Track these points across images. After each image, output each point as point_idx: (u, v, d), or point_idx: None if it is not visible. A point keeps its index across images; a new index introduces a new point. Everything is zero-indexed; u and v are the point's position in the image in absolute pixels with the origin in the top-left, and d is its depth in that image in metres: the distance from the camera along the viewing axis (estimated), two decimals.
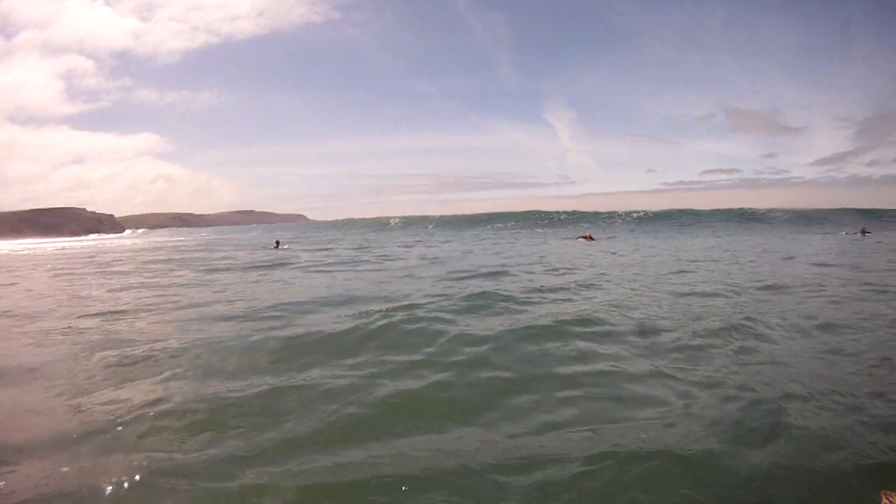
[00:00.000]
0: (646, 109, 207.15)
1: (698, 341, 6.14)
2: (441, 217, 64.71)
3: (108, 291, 12.25)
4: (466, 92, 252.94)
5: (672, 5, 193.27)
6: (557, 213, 59.23)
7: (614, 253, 20.58)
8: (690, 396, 4.49)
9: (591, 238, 29.38)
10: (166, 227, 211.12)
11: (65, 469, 3.39)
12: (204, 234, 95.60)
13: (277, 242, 30.86)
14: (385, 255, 21.33)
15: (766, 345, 6.02)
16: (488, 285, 10.85)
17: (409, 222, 65.06)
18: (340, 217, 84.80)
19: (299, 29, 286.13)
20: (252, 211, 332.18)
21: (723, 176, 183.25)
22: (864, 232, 30.68)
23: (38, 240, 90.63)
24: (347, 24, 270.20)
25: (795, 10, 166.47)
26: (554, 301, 8.97)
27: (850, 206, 53.73)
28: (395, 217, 69.66)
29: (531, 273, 13.33)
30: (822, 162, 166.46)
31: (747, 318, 7.13)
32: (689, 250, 21.54)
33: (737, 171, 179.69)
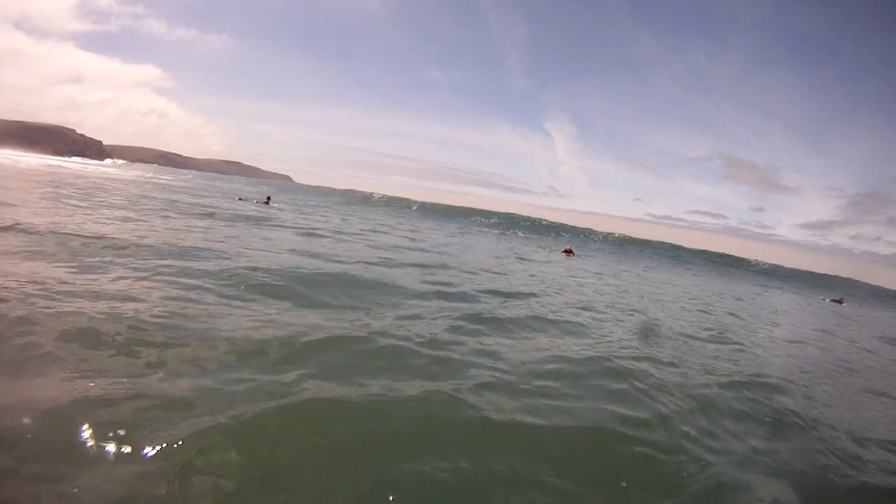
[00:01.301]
0: (645, 140, 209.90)
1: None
2: (423, 203, 63.74)
3: None
4: (472, 87, 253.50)
5: (691, 47, 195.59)
6: (540, 219, 58.82)
7: (599, 274, 20.38)
8: None
9: (570, 252, 29.21)
10: (152, 163, 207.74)
11: None
12: (189, 175, 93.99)
13: (269, 198, 31.16)
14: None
15: None
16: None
17: (392, 202, 63.99)
18: (323, 184, 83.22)
19: None
20: (240, 163, 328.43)
21: (709, 219, 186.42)
22: (840, 301, 31.45)
23: (18, 153, 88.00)
24: None
25: (809, 78, 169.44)
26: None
27: (831, 273, 54.83)
28: (379, 194, 68.29)
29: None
30: (808, 226, 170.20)
31: None
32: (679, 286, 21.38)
33: (723, 217, 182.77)
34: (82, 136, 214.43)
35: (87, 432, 3.03)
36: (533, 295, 10.40)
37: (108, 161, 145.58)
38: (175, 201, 20.81)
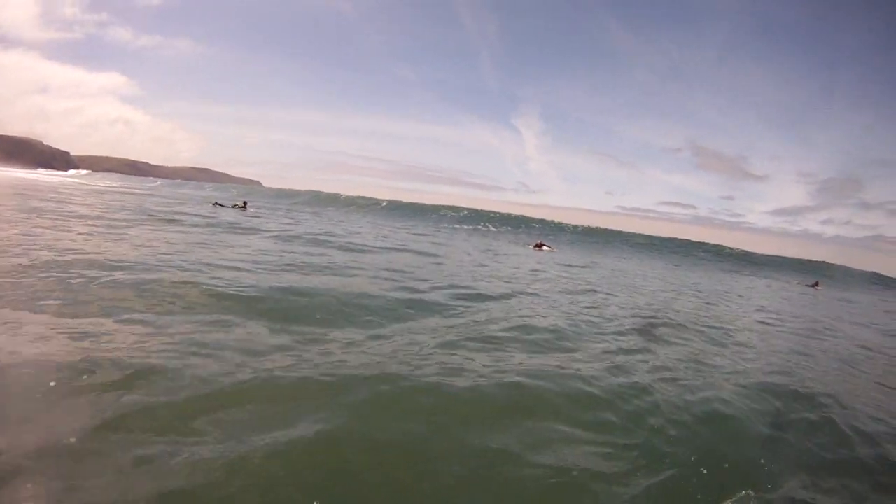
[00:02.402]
0: (616, 132, 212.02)
1: None
2: (391, 202, 63.12)
3: None
4: (444, 84, 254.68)
5: (666, 37, 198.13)
6: (510, 214, 58.06)
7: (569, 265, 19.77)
8: None
9: (541, 246, 28.76)
10: (119, 172, 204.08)
11: None
12: (157, 183, 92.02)
13: (245, 203, 30.80)
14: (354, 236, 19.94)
15: None
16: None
17: (356, 202, 63.25)
18: (293, 187, 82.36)
19: None
20: (208, 169, 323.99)
21: (679, 209, 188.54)
22: (815, 285, 31.27)
23: None
24: None
25: (783, 66, 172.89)
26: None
27: (799, 257, 54.95)
28: (351, 195, 67.55)
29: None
30: (778, 212, 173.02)
31: None
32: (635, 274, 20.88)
33: (693, 207, 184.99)
34: (49, 147, 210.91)
35: None
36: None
37: (72, 171, 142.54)
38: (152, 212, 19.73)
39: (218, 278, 7.26)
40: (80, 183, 49.25)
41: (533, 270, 15.29)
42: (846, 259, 59.05)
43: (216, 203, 31.40)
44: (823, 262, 54.54)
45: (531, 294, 10.02)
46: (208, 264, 8.37)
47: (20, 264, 6.66)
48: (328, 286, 7.66)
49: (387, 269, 10.43)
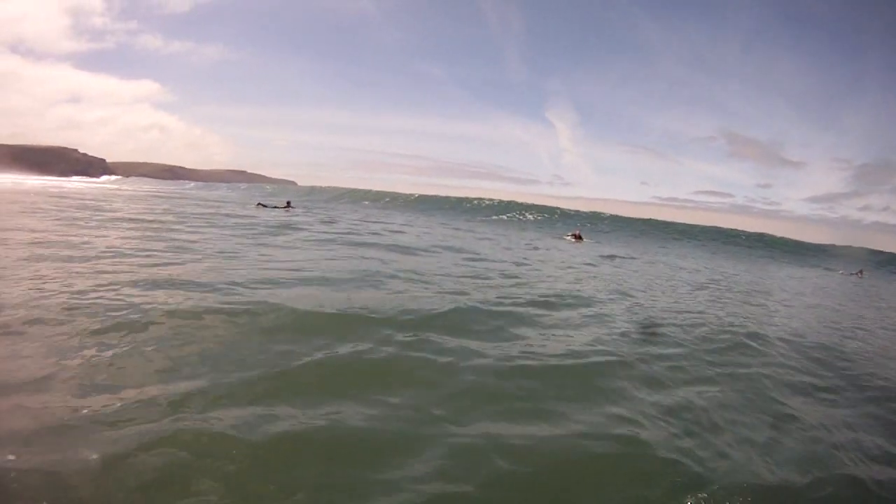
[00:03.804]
0: (648, 123, 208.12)
1: None
2: (424, 196, 63.70)
3: None
4: (472, 80, 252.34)
5: (691, 26, 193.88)
6: (546, 206, 57.61)
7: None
8: None
9: (579, 238, 28.74)
10: (156, 177, 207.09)
11: None
12: (191, 185, 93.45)
13: (288, 203, 30.83)
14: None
15: None
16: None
17: (396, 198, 63.58)
18: (329, 185, 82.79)
19: None
20: (244, 171, 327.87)
21: (715, 198, 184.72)
22: (859, 273, 30.58)
23: (22, 176, 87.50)
24: None
25: (813, 52, 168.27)
26: None
27: (841, 244, 53.65)
28: (397, 193, 67.96)
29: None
30: (816, 200, 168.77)
31: None
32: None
33: (730, 195, 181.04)
34: (84, 155, 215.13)
35: None
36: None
37: (104, 178, 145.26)
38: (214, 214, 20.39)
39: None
40: (117, 189, 49.98)
41: (587, 263, 15.41)
42: (886, 244, 56.85)
43: (260, 203, 31.59)
44: (863, 248, 52.96)
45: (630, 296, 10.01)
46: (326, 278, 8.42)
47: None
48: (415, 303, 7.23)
49: (454, 276, 10.30)
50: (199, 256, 9.37)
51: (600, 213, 55.23)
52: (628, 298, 9.76)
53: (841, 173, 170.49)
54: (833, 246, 52.35)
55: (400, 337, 5.48)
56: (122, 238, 11.11)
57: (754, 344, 7.19)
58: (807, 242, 51.54)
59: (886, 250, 51.61)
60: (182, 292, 6.35)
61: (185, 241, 11.31)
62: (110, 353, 4.37)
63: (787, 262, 36.13)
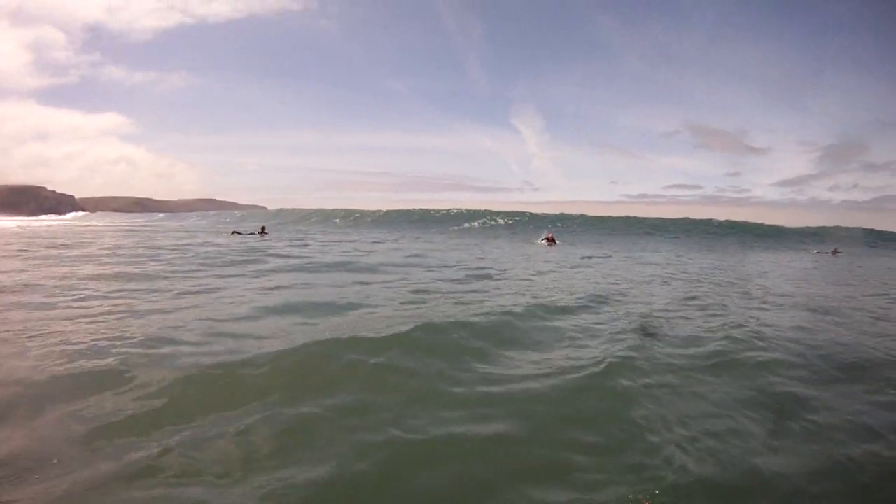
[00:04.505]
0: (614, 121, 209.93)
1: None
2: (397, 212, 63.22)
3: None
4: (436, 92, 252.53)
5: (653, 21, 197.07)
6: (523, 213, 57.50)
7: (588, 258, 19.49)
8: None
9: (552, 241, 28.41)
10: (126, 211, 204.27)
11: None
12: (160, 217, 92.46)
13: (263, 228, 31.37)
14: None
15: None
16: None
17: (368, 216, 63.25)
18: (299, 207, 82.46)
19: (276, 15, 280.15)
20: (214, 199, 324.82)
21: (685, 191, 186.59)
22: (835, 252, 30.62)
23: None
24: (324, 14, 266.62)
25: (775, 37, 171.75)
26: None
27: (811, 225, 54.14)
28: (367, 210, 67.74)
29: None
30: (784, 183, 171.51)
31: None
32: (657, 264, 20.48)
33: (699, 187, 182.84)
34: (53, 192, 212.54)
35: None
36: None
37: (71, 215, 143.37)
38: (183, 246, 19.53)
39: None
40: (87, 225, 49.09)
41: (575, 267, 14.98)
42: (860, 221, 57.81)
43: (235, 231, 31.62)
44: (837, 226, 53.51)
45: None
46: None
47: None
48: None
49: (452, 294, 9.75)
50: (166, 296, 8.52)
51: (571, 215, 55.31)
52: (612, 301, 9.24)
53: (808, 155, 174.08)
54: (824, 228, 52.69)
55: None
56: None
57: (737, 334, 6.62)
58: (784, 227, 51.89)
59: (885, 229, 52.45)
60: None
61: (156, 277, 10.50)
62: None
63: (761, 247, 36.19)
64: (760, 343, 6.29)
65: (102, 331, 5.90)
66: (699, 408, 4.31)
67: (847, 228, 52.32)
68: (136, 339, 5.52)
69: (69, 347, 5.22)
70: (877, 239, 47.97)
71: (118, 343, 5.37)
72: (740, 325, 7.27)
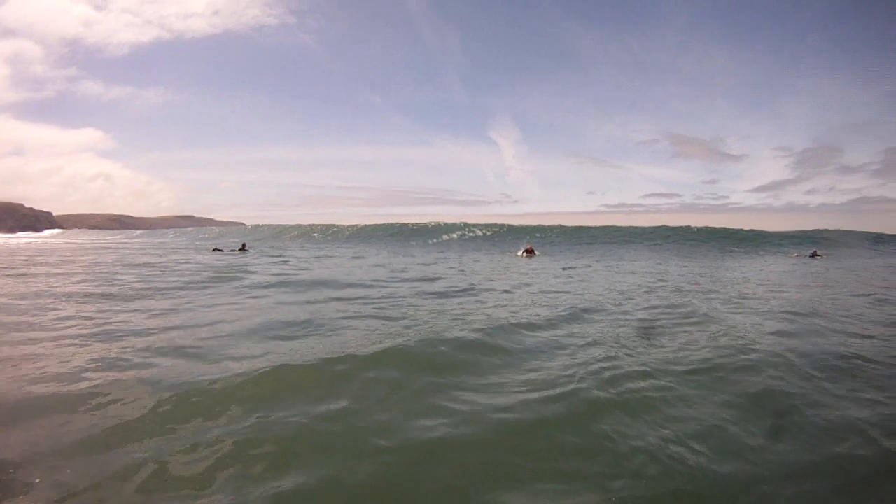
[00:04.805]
0: (591, 132, 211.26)
1: None
2: (376, 226, 62.96)
3: None
4: (414, 105, 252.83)
5: (626, 32, 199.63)
6: (501, 224, 57.37)
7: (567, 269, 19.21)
8: None
9: (532, 252, 28.08)
10: (104, 228, 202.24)
11: None
12: (138, 234, 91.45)
13: (244, 245, 31.30)
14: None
15: None
16: None
17: (346, 231, 62.93)
18: (279, 223, 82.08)
19: (252, 31, 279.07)
20: (192, 216, 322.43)
21: (664, 200, 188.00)
22: (814, 255, 30.56)
23: None
24: (301, 29, 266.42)
25: (748, 42, 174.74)
26: None
27: (789, 229, 54.47)
28: (345, 225, 67.48)
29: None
30: (761, 189, 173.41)
31: None
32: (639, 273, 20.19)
33: (677, 195, 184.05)
34: (31, 209, 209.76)
35: None
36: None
37: (47, 232, 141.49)
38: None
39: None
40: (65, 243, 48.11)
41: (562, 278, 14.63)
42: (838, 224, 58.42)
43: (216, 248, 32.03)
44: (817, 230, 53.95)
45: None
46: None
47: None
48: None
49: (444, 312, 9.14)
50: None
51: (550, 226, 55.17)
52: (595, 312, 8.96)
53: (784, 160, 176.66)
54: (817, 231, 52.96)
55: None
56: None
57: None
58: (763, 231, 52.19)
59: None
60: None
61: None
62: None
63: (741, 252, 36.21)
64: (745, 350, 6.20)
65: (80, 354, 5.79)
66: (683, 415, 4.29)
67: (833, 231, 52.75)
68: (115, 359, 5.53)
69: (41, 369, 5.19)
70: (858, 239, 48.42)
71: (94, 365, 5.31)
72: (725, 333, 7.15)
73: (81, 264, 18.86)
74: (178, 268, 17.46)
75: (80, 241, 51.80)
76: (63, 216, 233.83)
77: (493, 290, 12.26)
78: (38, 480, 3.11)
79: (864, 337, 7.48)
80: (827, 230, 53.11)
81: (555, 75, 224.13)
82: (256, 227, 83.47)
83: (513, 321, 7.77)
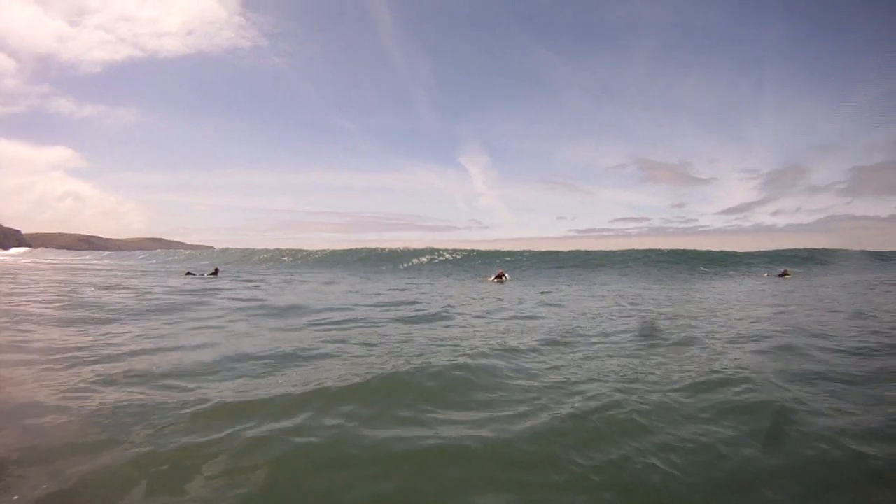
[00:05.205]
0: (559, 157, 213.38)
1: None
2: (350, 250, 62.61)
3: None
4: (385, 130, 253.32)
5: (594, 58, 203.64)
6: (471, 250, 57.21)
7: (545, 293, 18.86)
8: None
9: (501, 278, 27.58)
10: (72, 248, 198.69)
11: None
12: (105, 255, 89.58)
13: (216, 270, 32.33)
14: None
15: None
16: None
17: (315, 256, 62.45)
18: (249, 247, 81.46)
19: (226, 52, 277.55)
20: (163, 239, 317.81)
21: (633, 224, 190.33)
22: (783, 274, 30.72)
23: None
24: (274, 52, 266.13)
25: (712, 69, 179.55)
26: None
27: (758, 250, 55.01)
28: (315, 250, 66.85)
29: None
30: (729, 211, 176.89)
31: None
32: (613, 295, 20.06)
33: (646, 219, 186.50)
34: (0, 226, 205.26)
35: None
36: None
37: (13, 250, 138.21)
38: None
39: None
40: (31, 262, 46.73)
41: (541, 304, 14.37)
42: (806, 243, 59.14)
43: (188, 272, 32.30)
44: (786, 248, 54.50)
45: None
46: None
47: None
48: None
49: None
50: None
51: (520, 251, 54.98)
52: (568, 339, 8.70)
53: (751, 182, 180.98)
54: (813, 250, 53.39)
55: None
56: None
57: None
58: (735, 252, 52.54)
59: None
60: None
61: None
62: None
63: (710, 273, 36.40)
64: (725, 369, 6.20)
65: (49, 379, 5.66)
66: (674, 434, 4.29)
67: (801, 250, 53.32)
68: (78, 385, 5.41)
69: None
70: (827, 256, 48.96)
71: (73, 392, 5.18)
72: (704, 354, 7.17)
73: (49, 289, 18.11)
74: (152, 292, 17.49)
75: (47, 261, 50.44)
76: (32, 234, 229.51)
77: (466, 314, 12.19)
78: None
79: (833, 352, 7.61)
80: (796, 249, 53.80)
81: (525, 101, 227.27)
82: (225, 250, 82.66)
83: (494, 347, 7.65)
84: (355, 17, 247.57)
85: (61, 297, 14.29)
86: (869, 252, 52.49)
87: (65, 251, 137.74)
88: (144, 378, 5.75)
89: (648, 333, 6.76)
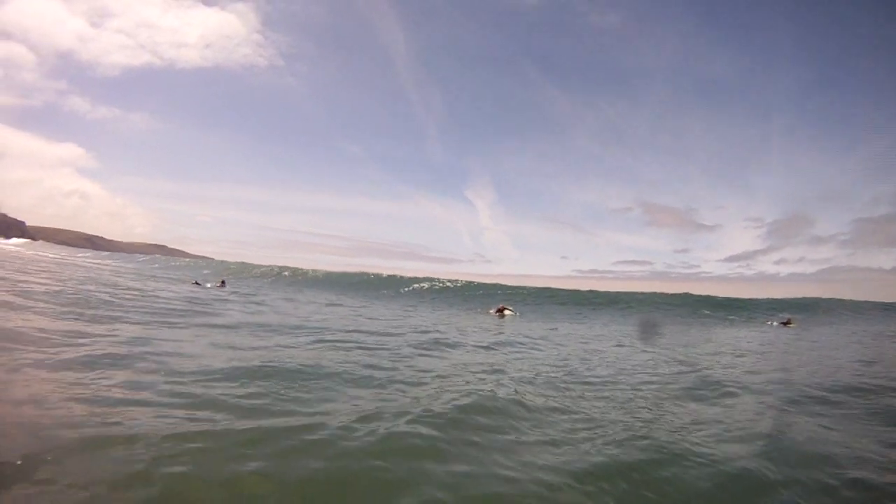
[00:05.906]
0: (566, 197, 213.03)
1: None
2: (351, 274, 62.65)
3: None
4: (392, 158, 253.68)
5: (603, 101, 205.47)
6: (474, 283, 57.09)
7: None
8: None
9: (503, 312, 27.28)
10: (74, 245, 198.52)
11: None
12: (105, 255, 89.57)
13: (223, 281, 32.69)
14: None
15: None
16: None
17: (316, 276, 62.49)
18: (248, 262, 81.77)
19: (241, 68, 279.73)
20: (164, 246, 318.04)
21: (636, 267, 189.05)
22: (787, 322, 30.30)
23: None
24: (289, 72, 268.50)
25: (720, 119, 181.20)
26: None
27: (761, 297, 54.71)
28: (317, 269, 66.77)
29: None
30: (733, 259, 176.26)
31: None
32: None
33: (649, 263, 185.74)
34: (4, 215, 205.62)
35: None
36: None
37: (13, 240, 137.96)
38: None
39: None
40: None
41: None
42: (808, 293, 58.75)
43: (195, 282, 32.07)
44: (787, 298, 54.16)
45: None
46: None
47: None
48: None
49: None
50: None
51: (522, 287, 54.75)
52: (572, 380, 8.56)
53: (755, 231, 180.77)
54: (819, 299, 53.02)
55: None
56: None
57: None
58: (738, 298, 52.13)
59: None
60: None
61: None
62: None
63: (714, 319, 35.96)
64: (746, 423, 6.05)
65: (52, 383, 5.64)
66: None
67: (801, 300, 52.93)
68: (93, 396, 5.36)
69: None
70: (831, 306, 48.53)
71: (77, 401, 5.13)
72: (723, 399, 7.18)
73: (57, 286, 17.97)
74: (160, 296, 17.99)
75: (50, 255, 50.16)
76: (36, 228, 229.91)
77: (466, 345, 12.26)
78: None
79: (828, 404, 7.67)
80: (796, 298, 53.46)
81: (534, 139, 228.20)
82: (224, 262, 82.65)
83: (512, 377, 7.89)
84: (372, 44, 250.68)
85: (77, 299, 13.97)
86: (873, 302, 52.15)
87: (66, 247, 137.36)
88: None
89: (648, 331, 6.72)
